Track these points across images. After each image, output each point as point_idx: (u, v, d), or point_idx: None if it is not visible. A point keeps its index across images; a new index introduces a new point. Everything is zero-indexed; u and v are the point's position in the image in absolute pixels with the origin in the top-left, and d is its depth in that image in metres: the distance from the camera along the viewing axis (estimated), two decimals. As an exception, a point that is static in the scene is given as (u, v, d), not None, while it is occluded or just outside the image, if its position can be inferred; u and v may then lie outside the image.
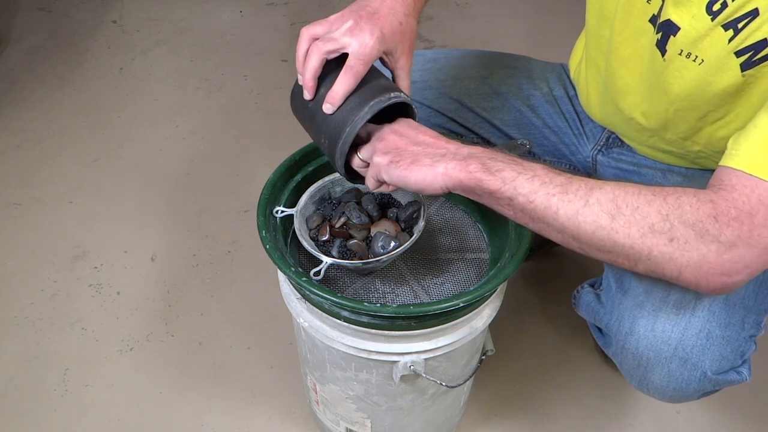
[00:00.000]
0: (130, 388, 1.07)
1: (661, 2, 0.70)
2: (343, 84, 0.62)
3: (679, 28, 0.67)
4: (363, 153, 0.66)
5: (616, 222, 0.56)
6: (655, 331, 0.67)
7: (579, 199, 0.57)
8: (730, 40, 0.62)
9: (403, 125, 0.65)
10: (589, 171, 0.95)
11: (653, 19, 0.71)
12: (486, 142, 0.94)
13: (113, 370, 1.09)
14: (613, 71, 0.81)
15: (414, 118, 0.67)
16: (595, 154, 0.92)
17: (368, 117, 0.61)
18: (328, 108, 0.63)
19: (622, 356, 0.73)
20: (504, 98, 0.94)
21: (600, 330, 0.82)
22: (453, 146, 0.61)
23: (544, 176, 0.58)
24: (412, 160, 0.60)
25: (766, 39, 0.60)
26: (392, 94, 0.63)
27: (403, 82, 0.69)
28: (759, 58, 0.61)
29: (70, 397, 1.05)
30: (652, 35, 0.72)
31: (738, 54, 0.62)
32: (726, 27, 0.62)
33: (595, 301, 0.80)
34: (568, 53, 0.97)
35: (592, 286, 0.85)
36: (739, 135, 0.58)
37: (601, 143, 0.91)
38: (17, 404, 1.04)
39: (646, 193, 0.56)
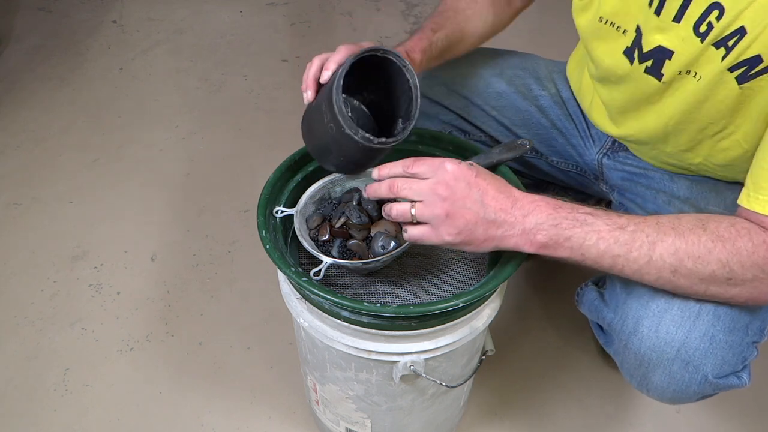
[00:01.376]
0: (130, 388, 1.07)
1: (635, 34, 0.72)
2: (336, 57, 0.69)
3: (672, 52, 0.68)
4: (421, 212, 0.64)
5: (678, 274, 0.62)
6: (659, 332, 0.67)
7: (643, 256, 0.62)
8: (723, 58, 0.64)
9: (458, 179, 0.63)
10: (596, 173, 0.95)
11: (628, 51, 0.74)
12: (494, 141, 0.96)
13: (113, 370, 1.09)
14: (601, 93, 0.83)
15: (412, 78, 0.69)
16: (601, 157, 0.93)
17: (352, 61, 0.65)
18: (325, 75, 0.69)
19: (623, 355, 0.73)
20: (513, 98, 0.94)
21: (601, 328, 0.82)
22: (519, 209, 0.63)
23: (608, 236, 0.62)
24: (485, 238, 0.64)
25: (759, 55, 0.61)
26: (374, 46, 0.67)
27: None
28: (755, 73, 0.63)
29: (70, 397, 1.05)
30: (631, 67, 0.74)
31: (732, 69, 0.64)
32: (717, 45, 0.64)
33: (598, 299, 0.80)
34: (568, 53, 0.97)
35: (596, 284, 0.85)
36: (763, 177, 0.61)
37: (607, 147, 0.92)
38: (17, 404, 1.04)
39: (705, 240, 0.61)
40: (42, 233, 1.33)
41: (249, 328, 1.16)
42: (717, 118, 0.69)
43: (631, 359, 0.72)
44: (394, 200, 0.68)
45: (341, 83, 0.65)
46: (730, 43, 0.63)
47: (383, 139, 0.67)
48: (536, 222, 0.63)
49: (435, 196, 0.63)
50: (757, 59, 0.62)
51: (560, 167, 0.98)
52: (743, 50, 0.62)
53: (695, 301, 0.67)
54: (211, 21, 2.04)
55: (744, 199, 0.63)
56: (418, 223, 0.65)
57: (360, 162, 0.72)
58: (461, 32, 0.85)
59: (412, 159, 0.66)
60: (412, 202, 0.65)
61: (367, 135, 0.65)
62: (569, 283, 1.25)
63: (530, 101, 0.94)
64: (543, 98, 0.95)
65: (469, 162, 0.66)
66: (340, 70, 0.66)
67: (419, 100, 0.69)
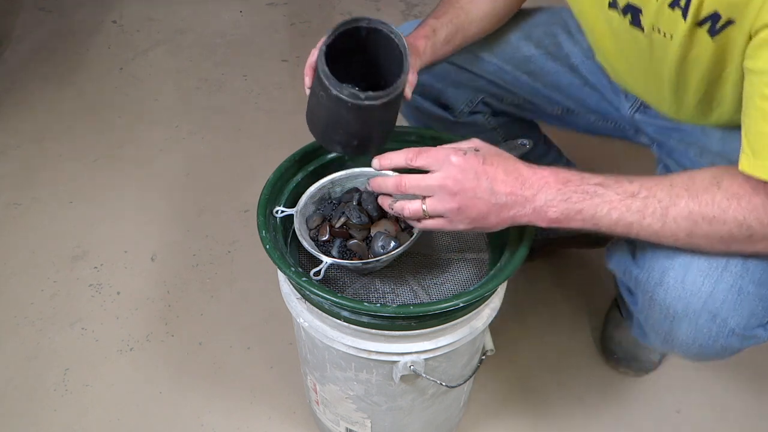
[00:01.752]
0: (130, 388, 1.07)
1: None
2: (324, 38, 0.68)
3: (640, 9, 0.69)
4: (434, 208, 0.64)
5: (694, 236, 0.62)
6: (685, 283, 0.66)
7: (656, 222, 0.62)
8: (684, 17, 0.63)
9: (466, 171, 0.63)
10: (634, 127, 0.93)
11: (613, 5, 0.73)
12: (528, 102, 0.96)
13: (113, 370, 1.09)
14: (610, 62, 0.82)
15: (400, 41, 0.68)
16: (633, 112, 0.90)
17: (335, 31, 0.66)
18: (314, 54, 0.71)
19: (649, 309, 0.71)
20: (542, 61, 0.93)
21: (629, 291, 0.80)
22: (528, 189, 0.64)
23: (619, 205, 0.62)
24: (498, 221, 0.65)
25: (716, 11, 0.61)
26: (359, 17, 0.67)
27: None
28: (721, 26, 0.62)
29: (70, 397, 1.05)
30: (620, 19, 0.73)
31: (699, 24, 0.63)
32: (672, 6, 0.64)
33: (627, 254, 0.77)
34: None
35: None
36: (759, 142, 0.59)
37: (639, 103, 0.90)
38: (17, 404, 1.04)
39: (720, 199, 0.60)
40: (42, 233, 1.33)
41: (249, 328, 1.16)
42: (709, 66, 0.68)
43: (656, 313, 0.70)
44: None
45: (324, 50, 0.65)
46: (682, 3, 0.62)
47: (370, 93, 0.66)
48: (546, 199, 0.63)
49: (444, 190, 0.63)
50: (716, 15, 0.61)
51: (598, 124, 0.97)
52: (698, 9, 0.61)
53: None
54: (211, 21, 2.03)
55: (746, 165, 0.60)
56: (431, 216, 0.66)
57: (359, 131, 0.71)
58: (466, 15, 0.84)
59: (414, 150, 0.66)
60: (422, 198, 0.65)
61: (353, 91, 0.65)
62: (569, 284, 1.25)
63: (561, 61, 0.93)
64: (574, 55, 0.92)
65: (474, 147, 0.66)
66: (324, 39, 0.66)
67: (409, 57, 0.68)
